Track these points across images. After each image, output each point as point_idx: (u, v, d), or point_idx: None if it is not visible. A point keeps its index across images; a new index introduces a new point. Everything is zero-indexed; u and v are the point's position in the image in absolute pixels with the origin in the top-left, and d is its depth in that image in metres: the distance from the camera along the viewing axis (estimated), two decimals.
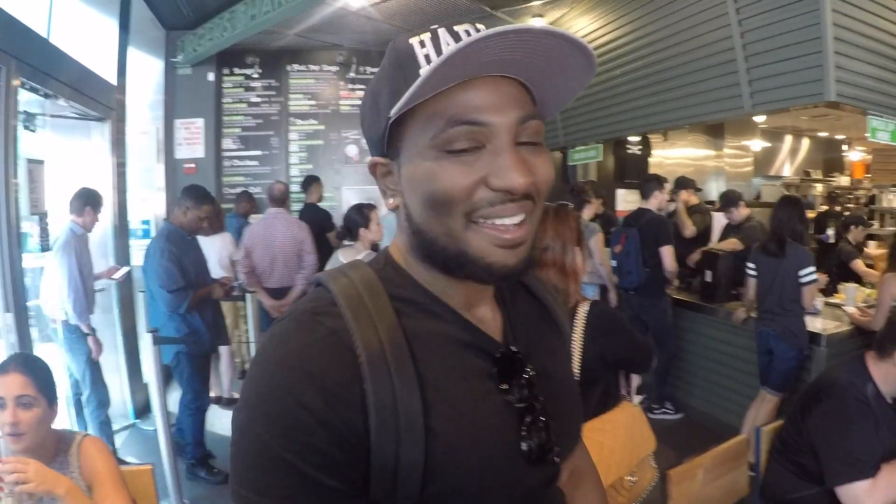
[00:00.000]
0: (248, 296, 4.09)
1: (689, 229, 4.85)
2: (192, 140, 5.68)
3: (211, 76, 5.74)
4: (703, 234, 4.95)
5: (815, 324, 3.50)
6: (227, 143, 6.02)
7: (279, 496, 0.52)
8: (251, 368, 0.57)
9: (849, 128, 7.34)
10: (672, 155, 7.73)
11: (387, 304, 0.60)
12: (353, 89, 6.26)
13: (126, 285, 4.37)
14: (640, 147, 7.17)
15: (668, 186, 4.43)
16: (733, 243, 4.41)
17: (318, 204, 5.28)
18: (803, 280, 3.24)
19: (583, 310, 1.72)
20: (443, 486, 0.57)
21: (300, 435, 0.51)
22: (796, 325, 3.31)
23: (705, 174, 7.64)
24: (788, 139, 8.77)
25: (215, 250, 4.35)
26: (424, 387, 0.57)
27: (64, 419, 3.39)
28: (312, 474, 0.52)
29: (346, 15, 5.03)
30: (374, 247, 3.32)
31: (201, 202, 3.40)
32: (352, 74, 6.26)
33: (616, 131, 5.35)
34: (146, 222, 5.20)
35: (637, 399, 1.89)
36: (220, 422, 4.02)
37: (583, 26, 5.30)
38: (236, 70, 6.03)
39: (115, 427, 3.67)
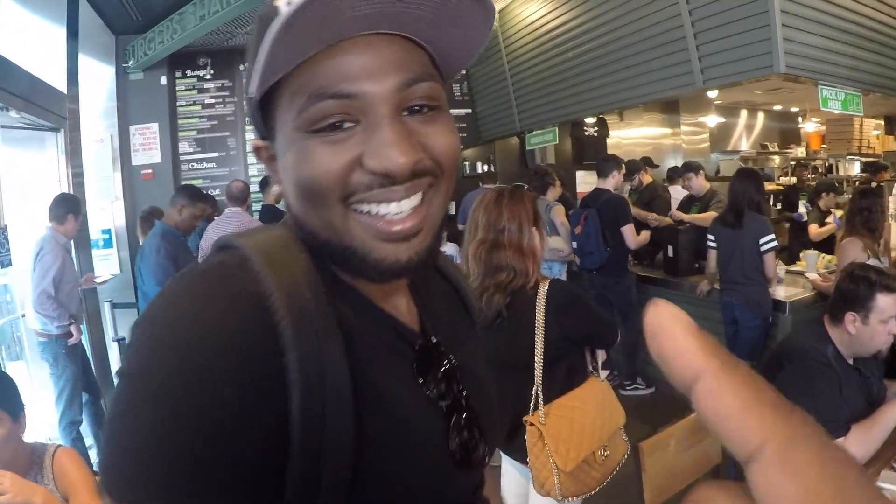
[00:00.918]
0: None
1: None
2: (147, 146, 5.56)
3: (163, 80, 5.63)
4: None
5: (778, 292, 3.59)
6: (184, 147, 5.89)
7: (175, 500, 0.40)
8: (136, 335, 0.45)
9: (802, 100, 7.50)
10: (629, 135, 7.79)
11: (308, 263, 0.50)
12: None
13: (91, 296, 4.25)
14: (597, 128, 7.19)
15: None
16: (712, 216, 4.25)
17: (277, 205, 5.13)
18: (764, 248, 3.31)
19: (543, 289, 1.73)
20: (370, 493, 0.48)
21: (204, 426, 0.40)
22: (759, 293, 3.39)
23: (663, 152, 7.71)
24: (744, 114, 8.93)
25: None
26: (353, 373, 0.47)
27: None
28: (220, 477, 0.40)
29: None
30: None
31: (197, 200, 3.48)
32: None
33: (571, 113, 5.37)
34: (106, 231, 5.08)
35: (604, 374, 1.91)
36: None
37: (532, 11, 5.31)
38: (188, 72, 5.90)
39: (87, 442, 3.60)
